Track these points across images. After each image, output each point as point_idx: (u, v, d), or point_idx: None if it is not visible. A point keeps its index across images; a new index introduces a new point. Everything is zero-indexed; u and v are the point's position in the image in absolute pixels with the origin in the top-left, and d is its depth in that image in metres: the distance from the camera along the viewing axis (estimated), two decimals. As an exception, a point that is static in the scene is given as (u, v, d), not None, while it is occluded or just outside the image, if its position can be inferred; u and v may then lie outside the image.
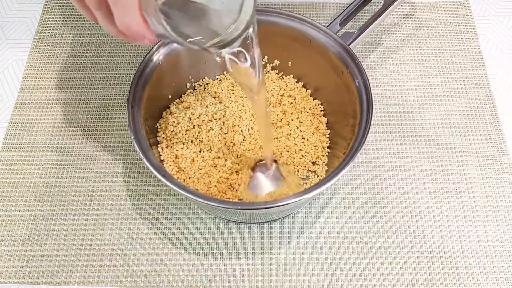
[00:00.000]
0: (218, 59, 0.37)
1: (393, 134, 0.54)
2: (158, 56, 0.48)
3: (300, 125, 0.52)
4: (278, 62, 0.54)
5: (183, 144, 0.50)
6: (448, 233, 0.49)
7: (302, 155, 0.50)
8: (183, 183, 0.46)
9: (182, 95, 0.53)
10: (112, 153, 0.53)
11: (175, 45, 0.48)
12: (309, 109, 0.53)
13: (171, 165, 0.49)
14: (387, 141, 0.54)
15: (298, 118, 0.52)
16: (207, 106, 0.52)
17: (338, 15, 0.51)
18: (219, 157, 0.50)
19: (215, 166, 0.49)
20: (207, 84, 0.54)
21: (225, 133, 0.51)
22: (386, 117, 0.55)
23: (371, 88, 0.45)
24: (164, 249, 0.48)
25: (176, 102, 0.53)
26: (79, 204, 0.51)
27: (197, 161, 0.49)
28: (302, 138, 0.51)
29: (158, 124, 0.51)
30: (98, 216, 0.50)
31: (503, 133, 0.54)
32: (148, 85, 0.47)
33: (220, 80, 0.55)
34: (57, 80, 0.58)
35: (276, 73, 0.55)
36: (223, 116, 0.52)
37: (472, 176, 0.52)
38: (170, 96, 0.52)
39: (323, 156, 0.51)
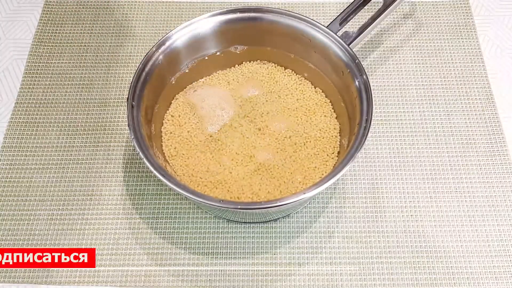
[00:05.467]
0: None
1: (393, 134, 0.54)
2: (157, 55, 0.48)
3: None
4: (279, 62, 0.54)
5: (189, 145, 0.50)
6: (448, 233, 0.49)
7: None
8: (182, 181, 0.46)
9: (182, 93, 0.53)
10: (112, 153, 0.53)
11: (174, 44, 0.49)
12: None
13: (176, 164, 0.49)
14: (387, 141, 0.54)
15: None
16: (203, 104, 0.52)
17: (338, 14, 0.51)
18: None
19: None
20: (204, 82, 0.54)
21: (228, 129, 0.51)
22: (386, 117, 0.55)
23: (371, 88, 0.45)
24: (164, 249, 0.48)
25: (176, 102, 0.53)
26: (79, 204, 0.51)
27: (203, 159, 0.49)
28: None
29: (162, 122, 0.51)
30: (98, 216, 0.50)
31: (503, 133, 0.54)
32: (148, 85, 0.47)
33: (219, 77, 0.55)
34: (57, 80, 0.58)
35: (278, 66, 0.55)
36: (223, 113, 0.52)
37: (472, 176, 0.52)
38: (170, 95, 0.52)
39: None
